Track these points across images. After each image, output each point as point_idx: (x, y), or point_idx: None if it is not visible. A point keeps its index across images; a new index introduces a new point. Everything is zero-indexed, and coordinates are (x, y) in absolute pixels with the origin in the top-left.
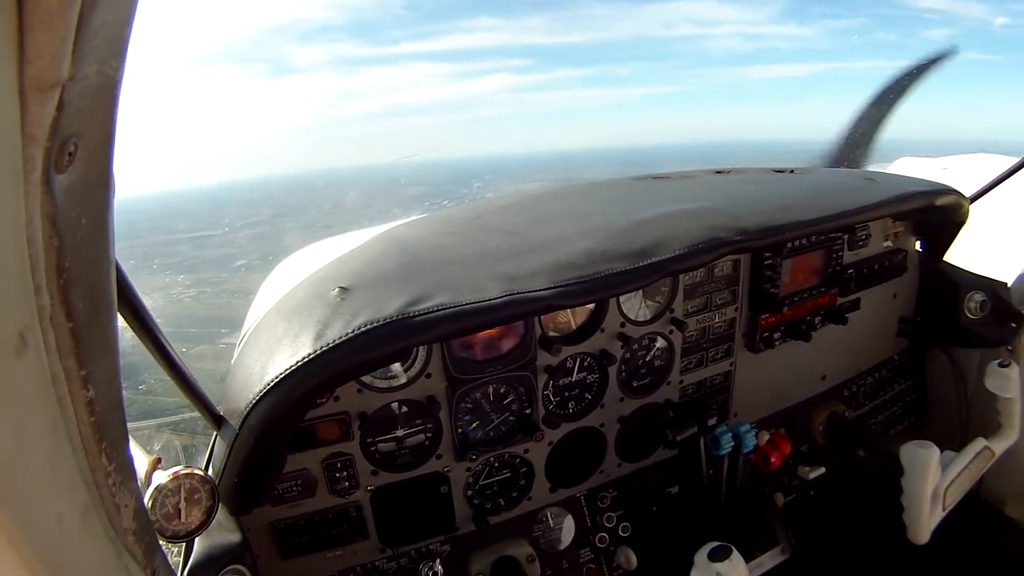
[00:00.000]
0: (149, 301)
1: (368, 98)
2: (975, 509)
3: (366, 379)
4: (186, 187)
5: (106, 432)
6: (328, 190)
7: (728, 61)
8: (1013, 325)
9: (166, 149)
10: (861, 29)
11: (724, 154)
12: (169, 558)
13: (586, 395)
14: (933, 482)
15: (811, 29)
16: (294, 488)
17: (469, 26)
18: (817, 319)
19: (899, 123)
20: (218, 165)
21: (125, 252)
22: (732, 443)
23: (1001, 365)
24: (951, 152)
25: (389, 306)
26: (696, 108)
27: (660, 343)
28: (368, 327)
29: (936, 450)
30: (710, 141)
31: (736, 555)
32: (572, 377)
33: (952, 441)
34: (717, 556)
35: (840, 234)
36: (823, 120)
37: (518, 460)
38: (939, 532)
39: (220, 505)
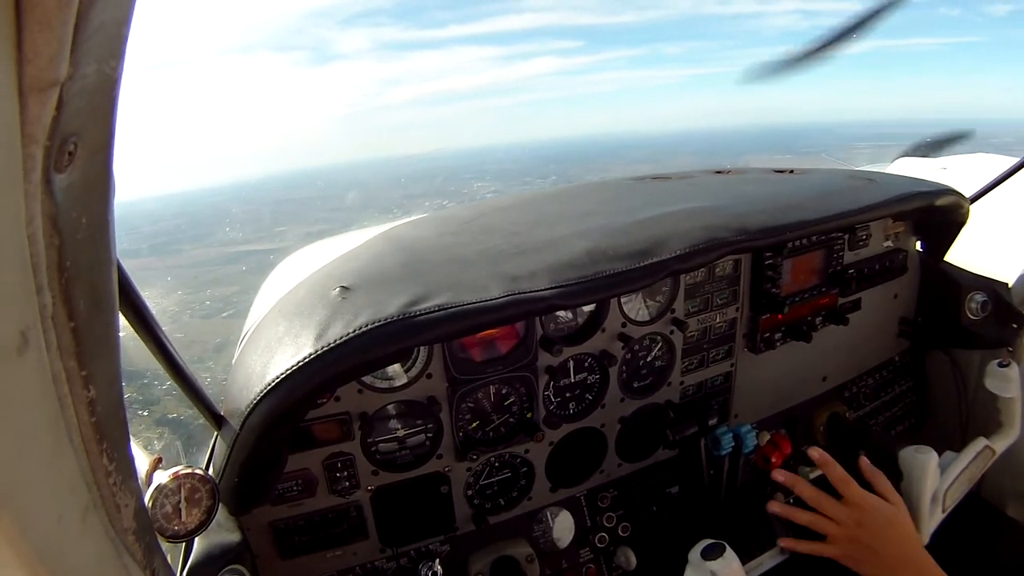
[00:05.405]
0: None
1: (412, 84)
2: (976, 509)
3: (367, 379)
4: (233, 180)
5: (107, 432)
6: (375, 181)
7: (780, 40)
8: (1014, 326)
9: (210, 144)
10: (924, 4)
11: (768, 140)
12: (168, 558)
13: (587, 396)
14: (932, 487)
15: (872, 3)
16: (294, 488)
17: (519, 7)
18: (818, 319)
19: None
20: (262, 157)
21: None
22: (732, 443)
23: (1001, 365)
24: None
25: (390, 306)
26: (742, 90)
27: (661, 343)
28: (369, 327)
29: (934, 455)
30: (758, 123)
31: (730, 552)
32: (573, 378)
33: (953, 443)
34: (710, 554)
35: (841, 234)
36: (869, 103)
37: (518, 460)
38: (940, 532)
39: (220, 505)
